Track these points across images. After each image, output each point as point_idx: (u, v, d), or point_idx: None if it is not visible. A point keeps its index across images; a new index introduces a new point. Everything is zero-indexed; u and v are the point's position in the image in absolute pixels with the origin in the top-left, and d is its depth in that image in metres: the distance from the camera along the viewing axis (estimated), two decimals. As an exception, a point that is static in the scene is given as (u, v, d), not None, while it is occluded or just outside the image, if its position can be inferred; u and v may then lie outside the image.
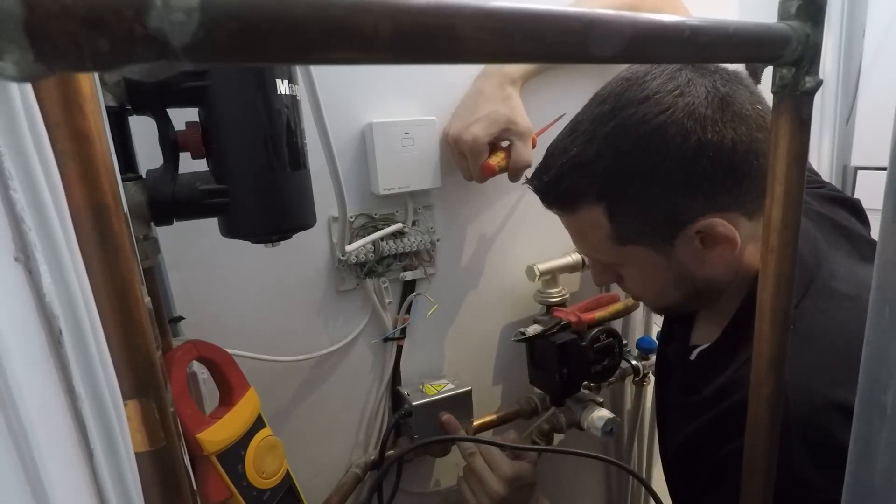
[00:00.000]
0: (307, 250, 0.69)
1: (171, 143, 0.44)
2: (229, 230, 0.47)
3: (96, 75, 0.30)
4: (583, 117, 0.51)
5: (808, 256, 0.51)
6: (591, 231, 0.53)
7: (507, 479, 0.66)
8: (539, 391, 0.87)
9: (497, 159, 0.70)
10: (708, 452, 0.50)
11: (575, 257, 0.84)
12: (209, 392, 0.54)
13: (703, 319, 0.62)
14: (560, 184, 0.52)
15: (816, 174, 0.70)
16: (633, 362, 0.95)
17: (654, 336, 1.00)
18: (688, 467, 0.55)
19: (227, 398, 0.52)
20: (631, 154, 0.47)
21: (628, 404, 1.04)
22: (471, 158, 0.70)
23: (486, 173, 0.70)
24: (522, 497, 0.67)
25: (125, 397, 0.30)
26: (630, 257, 0.53)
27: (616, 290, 0.94)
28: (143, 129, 0.44)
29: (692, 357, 0.58)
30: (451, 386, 0.78)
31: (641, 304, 0.96)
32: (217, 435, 0.47)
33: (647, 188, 0.48)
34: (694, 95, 0.46)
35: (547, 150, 0.54)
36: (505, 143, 0.72)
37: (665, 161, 0.46)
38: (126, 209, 0.32)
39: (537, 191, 0.56)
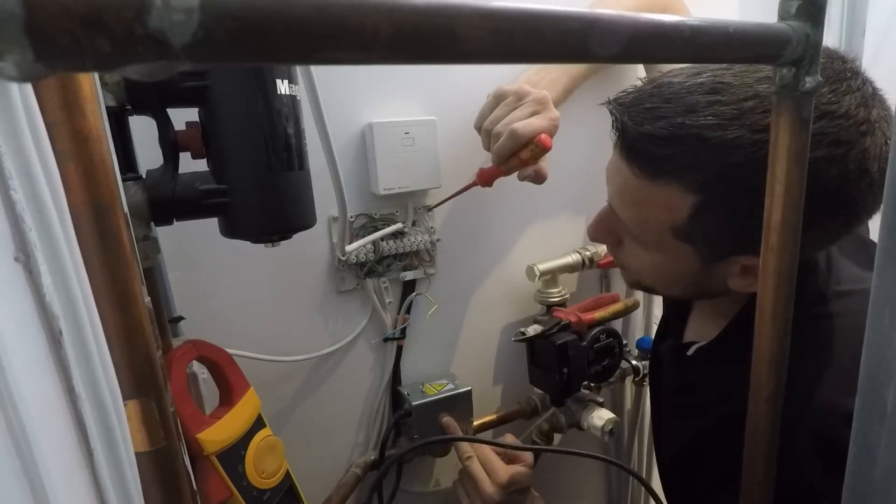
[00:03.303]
0: (307, 250, 0.69)
1: (171, 143, 0.44)
2: (229, 230, 0.47)
3: (96, 75, 0.30)
4: (735, 80, 0.40)
5: (820, 262, 0.50)
6: (655, 208, 0.44)
7: (503, 483, 0.66)
8: (539, 391, 0.87)
9: (526, 152, 0.65)
10: (711, 457, 0.50)
11: (575, 257, 0.84)
12: (209, 392, 0.54)
13: (699, 317, 0.61)
14: (664, 147, 0.41)
15: None
16: (633, 362, 0.95)
17: (653, 336, 1.00)
18: (688, 470, 0.55)
19: (227, 398, 0.52)
20: None
21: (628, 404, 1.04)
22: (508, 141, 0.62)
23: (489, 179, 0.69)
24: (518, 501, 0.67)
25: (125, 397, 0.30)
26: (671, 250, 0.46)
27: (616, 290, 0.94)
28: (143, 129, 0.44)
29: (689, 353, 0.58)
30: (451, 386, 0.78)
31: (641, 304, 0.96)
32: (217, 435, 0.47)
33: (755, 207, 0.39)
34: (875, 143, 0.39)
35: (661, 86, 0.42)
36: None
37: None
38: (126, 209, 0.32)
39: (626, 131, 0.43)
